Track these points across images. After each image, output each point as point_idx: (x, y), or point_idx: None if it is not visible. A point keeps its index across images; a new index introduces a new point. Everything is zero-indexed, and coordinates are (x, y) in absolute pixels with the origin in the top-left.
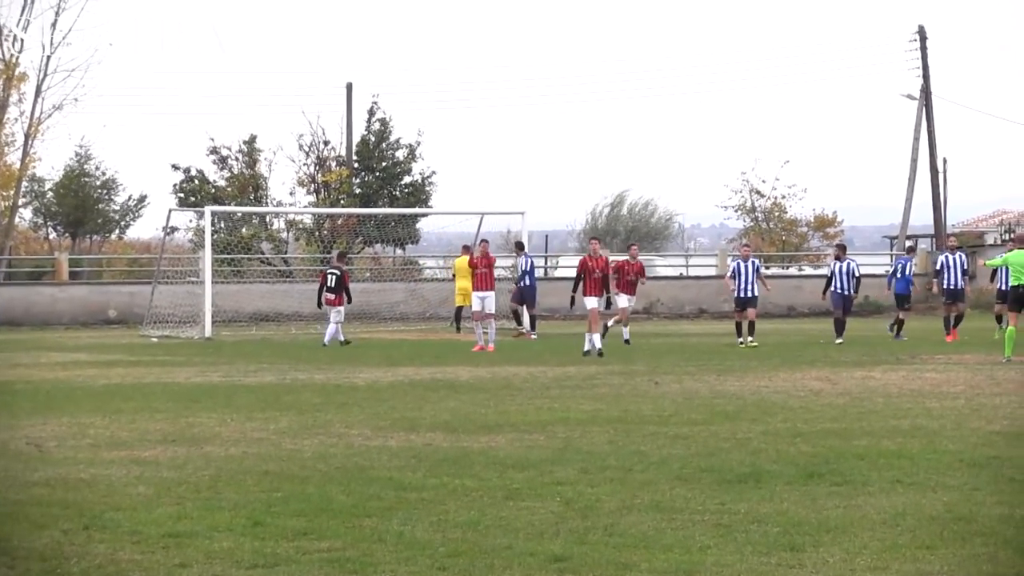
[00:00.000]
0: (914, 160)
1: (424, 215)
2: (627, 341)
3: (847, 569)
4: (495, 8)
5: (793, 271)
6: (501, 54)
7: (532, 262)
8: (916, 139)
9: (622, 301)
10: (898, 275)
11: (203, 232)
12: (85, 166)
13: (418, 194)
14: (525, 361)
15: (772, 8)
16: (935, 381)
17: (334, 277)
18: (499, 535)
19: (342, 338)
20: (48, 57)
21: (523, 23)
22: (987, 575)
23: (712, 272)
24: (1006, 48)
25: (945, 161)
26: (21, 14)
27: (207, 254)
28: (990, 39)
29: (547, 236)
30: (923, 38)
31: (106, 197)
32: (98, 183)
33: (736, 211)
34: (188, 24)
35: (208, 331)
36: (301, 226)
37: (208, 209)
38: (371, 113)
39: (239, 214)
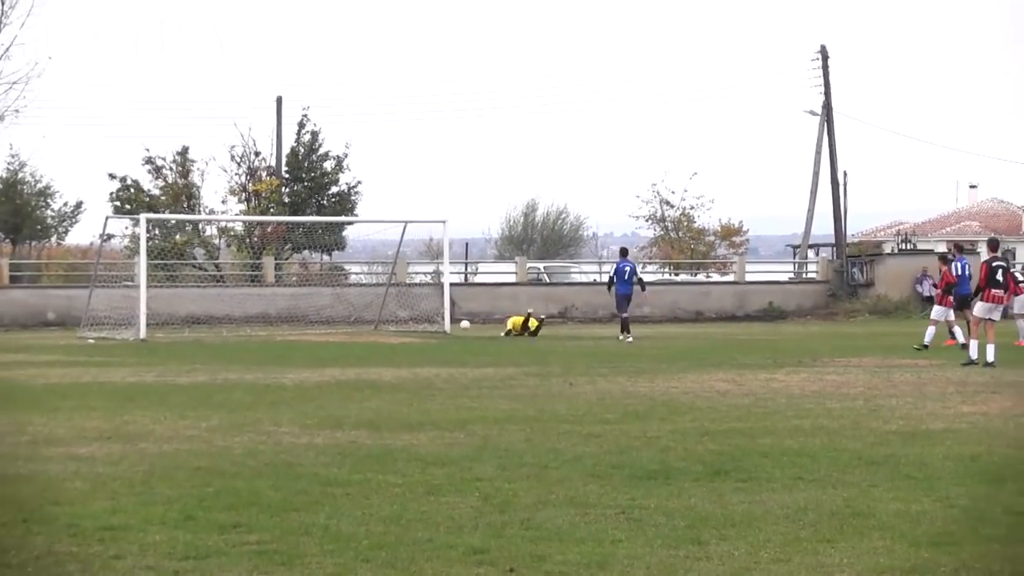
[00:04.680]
0: (816, 173)
1: (350, 223)
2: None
3: (751, 562)
4: (416, 26)
5: (701, 278)
6: (422, 69)
7: None
8: (818, 153)
9: None
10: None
11: (138, 239)
12: (19, 174)
13: (344, 203)
14: (446, 362)
15: (681, 25)
16: (835, 383)
17: None
18: (421, 528)
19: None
20: None
21: (440, 42)
22: (884, 567)
23: None
24: (904, 67)
25: (845, 174)
26: None
27: (142, 260)
28: (889, 59)
29: (467, 244)
30: (825, 57)
31: (43, 204)
32: (34, 191)
33: (647, 220)
34: (125, 37)
35: (143, 333)
36: (232, 233)
37: (143, 216)
38: (301, 125)
39: (173, 221)
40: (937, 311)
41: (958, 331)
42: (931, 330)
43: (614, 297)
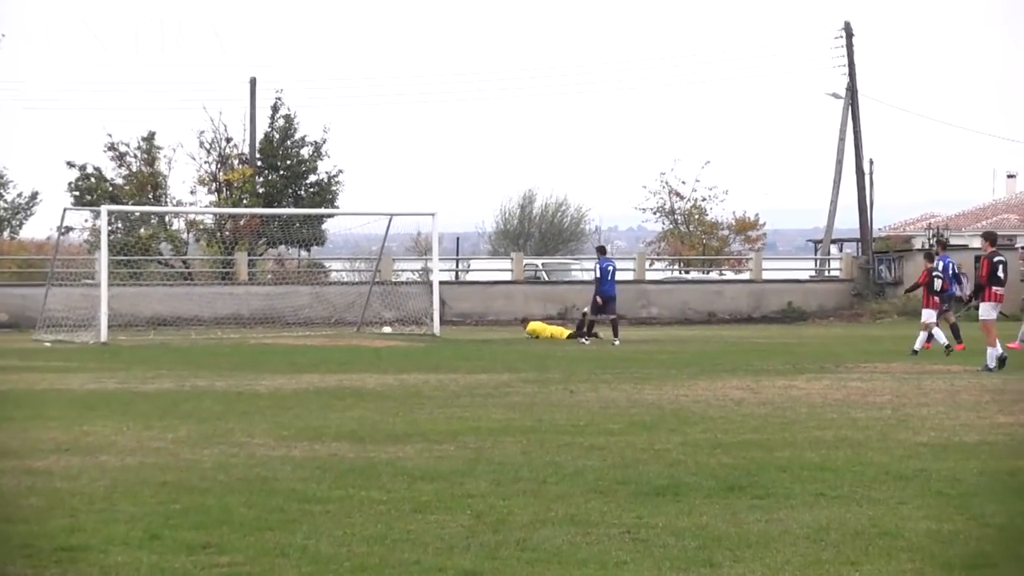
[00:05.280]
0: (839, 161)
1: (330, 216)
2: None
3: None
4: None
5: (713, 276)
6: (408, 48)
7: None
8: (842, 139)
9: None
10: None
11: (99, 232)
12: None
13: (324, 194)
14: (435, 368)
15: (695, 3)
16: (861, 391)
17: None
18: (407, 549)
19: None
20: None
21: (430, 17)
22: None
23: (630, 277)
24: (935, 45)
25: (872, 162)
26: None
27: (103, 255)
28: (918, 36)
29: (458, 238)
30: (849, 35)
31: None
32: None
33: (655, 213)
34: (85, 14)
35: (104, 336)
36: (202, 227)
37: (104, 208)
38: (275, 109)
39: (137, 214)
40: (927, 314)
41: (938, 333)
42: (923, 335)
43: (601, 298)
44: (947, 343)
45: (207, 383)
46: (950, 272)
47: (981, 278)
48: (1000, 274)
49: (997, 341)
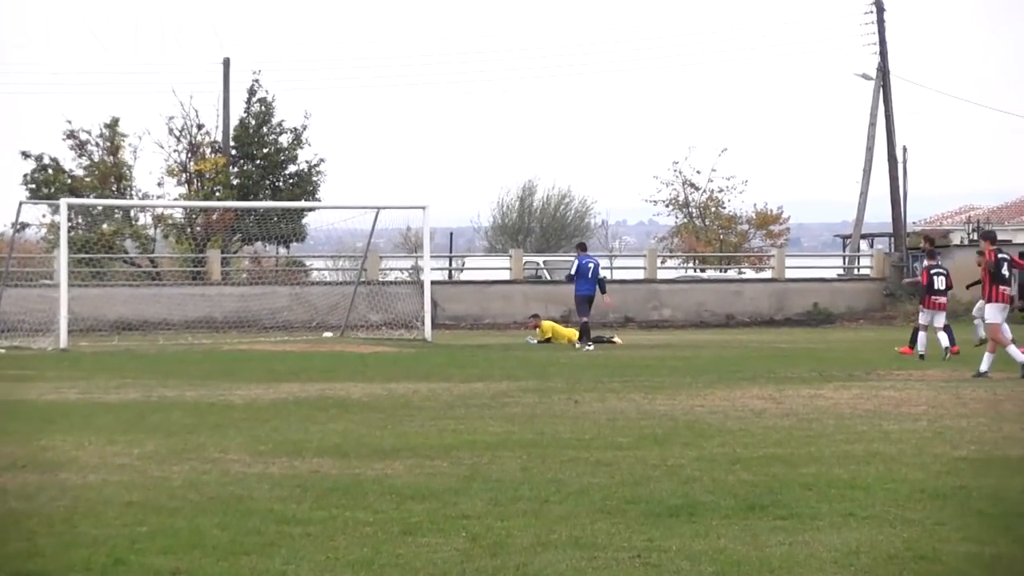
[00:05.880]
0: (870, 148)
1: (311, 209)
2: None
3: None
4: None
5: (732, 274)
6: (397, 26)
7: None
8: (872, 125)
9: None
10: None
11: (58, 228)
12: None
13: (304, 185)
14: (426, 376)
15: None
16: (893, 400)
17: None
18: (396, 575)
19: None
20: None
21: None
22: None
23: (640, 276)
24: (973, 21)
25: (905, 150)
26: None
27: (63, 253)
28: (955, 11)
29: (452, 233)
30: (880, 10)
31: None
32: None
33: (667, 206)
34: None
35: (64, 341)
36: (171, 222)
37: (64, 202)
38: (251, 93)
39: (100, 208)
40: (924, 316)
41: (922, 338)
42: (922, 336)
43: (576, 297)
44: (922, 352)
45: (176, 393)
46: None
47: (986, 278)
48: (1005, 272)
49: (988, 346)
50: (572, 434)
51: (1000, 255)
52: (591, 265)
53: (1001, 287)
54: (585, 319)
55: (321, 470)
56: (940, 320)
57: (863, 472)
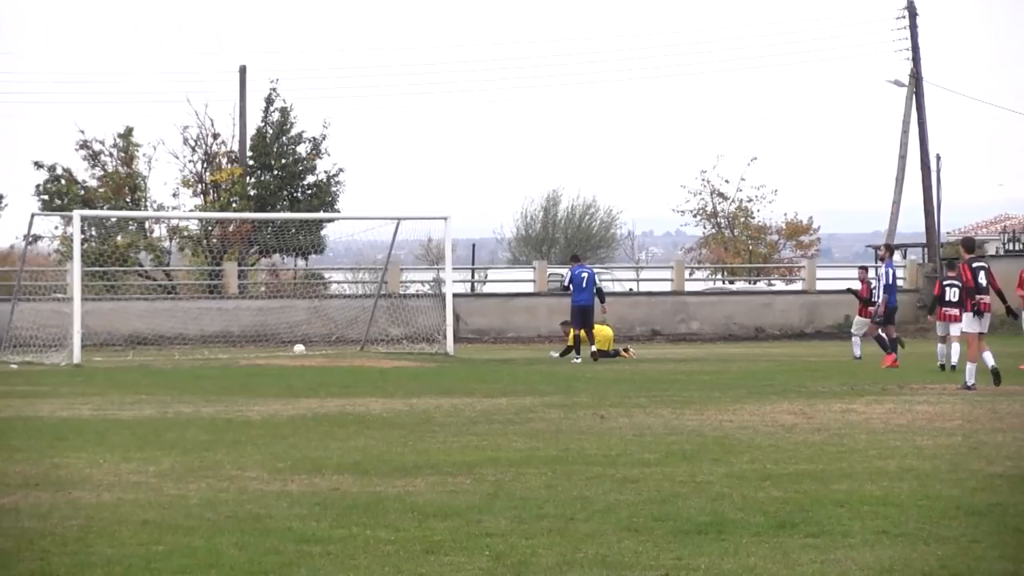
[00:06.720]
0: (902, 156)
1: (330, 220)
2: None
3: None
4: None
5: (762, 286)
6: (418, 34)
7: None
8: (905, 132)
9: None
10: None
11: (71, 241)
12: None
13: (323, 196)
14: (448, 391)
15: None
16: (927, 415)
17: None
18: None
19: None
20: None
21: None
22: None
23: (667, 288)
24: (1008, 25)
25: (939, 158)
26: None
27: (76, 266)
28: (989, 16)
29: (474, 245)
30: (913, 15)
31: None
32: None
33: (695, 216)
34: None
35: (77, 356)
36: (186, 234)
37: (77, 214)
38: (269, 102)
39: (113, 220)
40: (941, 327)
41: (857, 342)
42: (941, 347)
43: (572, 307)
44: (943, 362)
45: (192, 409)
46: (888, 280)
47: (968, 284)
48: (981, 281)
49: (984, 354)
50: (598, 450)
51: (975, 264)
52: (584, 275)
53: (979, 296)
54: (576, 331)
55: (341, 488)
56: (955, 331)
57: (896, 488)
